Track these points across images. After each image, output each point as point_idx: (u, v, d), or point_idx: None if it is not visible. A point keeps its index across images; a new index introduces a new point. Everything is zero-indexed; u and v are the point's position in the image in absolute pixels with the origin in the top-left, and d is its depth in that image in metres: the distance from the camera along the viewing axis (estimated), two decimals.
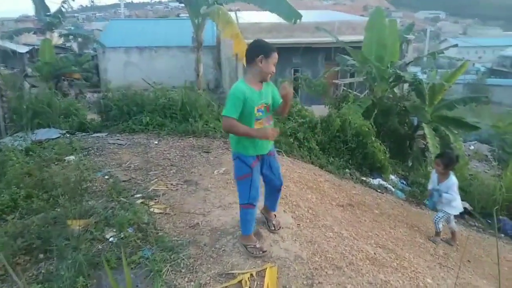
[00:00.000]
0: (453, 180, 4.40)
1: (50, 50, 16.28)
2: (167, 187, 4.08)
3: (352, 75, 15.42)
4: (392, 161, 7.68)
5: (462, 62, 9.07)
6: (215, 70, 23.47)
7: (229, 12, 9.45)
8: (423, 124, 8.72)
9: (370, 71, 9.12)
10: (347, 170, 6.30)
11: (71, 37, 21.04)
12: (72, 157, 5.14)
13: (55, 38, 18.70)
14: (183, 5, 10.06)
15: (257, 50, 2.63)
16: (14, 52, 27.18)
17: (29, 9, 17.67)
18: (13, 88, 10.67)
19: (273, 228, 3.13)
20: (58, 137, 6.26)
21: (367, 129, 6.77)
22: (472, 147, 14.05)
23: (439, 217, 4.47)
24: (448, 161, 4.38)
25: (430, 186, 4.60)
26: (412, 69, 15.84)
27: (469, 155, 12.52)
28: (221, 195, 3.80)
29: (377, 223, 4.10)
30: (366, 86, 14.91)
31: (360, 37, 10.95)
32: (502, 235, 5.78)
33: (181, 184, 4.16)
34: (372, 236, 3.53)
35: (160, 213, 3.48)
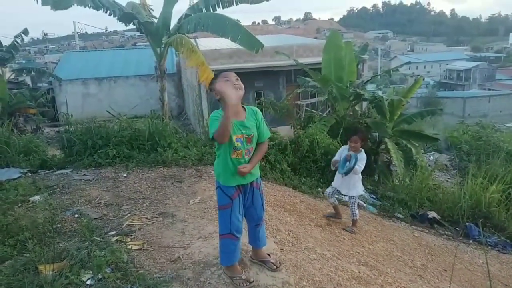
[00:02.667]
0: (364, 155, 4.57)
1: (2, 86, 15.63)
2: (142, 222, 3.95)
3: (313, 96, 15.87)
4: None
5: (417, 78, 9.58)
6: (178, 98, 23.38)
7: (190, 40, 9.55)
8: (385, 139, 9.05)
9: (331, 91, 9.42)
10: (319, 189, 6.40)
11: (24, 71, 20.30)
12: (37, 197, 4.89)
13: (7, 73, 17.97)
14: (139, 34, 10.06)
15: (210, 85, 2.67)
16: None
17: None
18: None
19: (275, 267, 2.92)
20: (20, 177, 5.95)
21: (334, 148, 6.94)
22: (431, 158, 14.70)
23: (353, 202, 4.63)
24: (365, 136, 4.80)
25: (337, 157, 4.68)
26: (368, 86, 16.57)
27: (429, 165, 13.06)
28: (200, 226, 3.73)
29: (355, 240, 4.16)
30: (327, 106, 15.37)
31: (317, 59, 11.36)
32: (470, 240, 6.03)
33: (157, 217, 4.05)
34: (353, 254, 3.58)
35: (138, 249, 3.36)
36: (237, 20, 8.76)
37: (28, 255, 3.32)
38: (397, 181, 8.64)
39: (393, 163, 8.95)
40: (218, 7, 8.94)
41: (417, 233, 5.56)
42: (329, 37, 9.62)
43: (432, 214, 6.79)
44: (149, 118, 7.27)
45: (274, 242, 3.36)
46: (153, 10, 9.34)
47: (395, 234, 5.12)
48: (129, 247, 3.39)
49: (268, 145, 6.69)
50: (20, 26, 18.22)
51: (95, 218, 4.13)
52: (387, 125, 9.36)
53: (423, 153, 9.55)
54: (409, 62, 18.10)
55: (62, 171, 6.28)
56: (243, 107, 2.66)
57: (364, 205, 6.53)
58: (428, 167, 9.18)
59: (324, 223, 4.34)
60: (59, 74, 22.33)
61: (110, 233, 3.72)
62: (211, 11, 8.95)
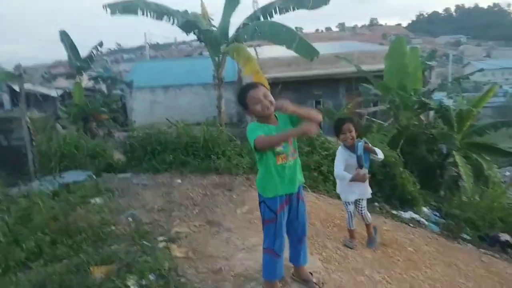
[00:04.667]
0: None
1: (80, 93, 17.00)
2: (189, 229, 4.00)
3: (375, 104, 15.27)
4: (423, 191, 7.37)
5: (489, 86, 8.80)
6: (237, 105, 23.79)
7: (248, 48, 9.64)
8: (453, 152, 8.40)
9: (393, 100, 8.97)
10: (376, 203, 6.07)
11: (99, 79, 21.95)
12: (97, 199, 5.18)
13: (85, 81, 19.54)
14: (199, 42, 10.37)
15: (240, 106, 2.62)
16: (46, 96, 28.61)
17: (61, 54, 18.67)
18: (44, 131, 11.10)
19: None
20: (85, 179, 6.36)
21: (393, 160, 6.56)
22: (507, 173, 13.42)
23: (363, 206, 3.79)
24: (357, 123, 3.85)
25: (341, 165, 3.63)
26: (437, 95, 15.56)
27: (505, 181, 11.91)
28: (244, 236, 3.69)
29: (411, 262, 3.85)
30: (390, 115, 14.70)
31: (381, 66, 10.89)
32: None
33: (204, 225, 4.07)
34: (407, 278, 3.30)
35: (182, 257, 3.39)
36: (300, 28, 8.70)
37: (82, 255, 3.50)
38: (465, 197, 7.96)
39: (462, 178, 8.29)
40: (276, 13, 8.91)
41: (485, 258, 5.02)
42: (393, 43, 9.19)
43: (504, 236, 6.13)
44: (204, 125, 7.43)
45: (319, 259, 3.21)
46: (213, 20, 9.59)
47: (458, 258, 4.66)
48: (174, 254, 3.43)
49: (322, 154, 6.51)
50: (97, 38, 19.82)
51: (146, 223, 4.26)
52: (455, 137, 8.71)
53: (496, 168, 8.71)
54: (482, 69, 16.31)
55: (123, 174, 6.61)
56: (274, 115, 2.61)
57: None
58: (501, 184, 8.34)
59: (377, 242, 4.07)
60: (132, 81, 23.81)
61: (158, 239, 3.80)
62: (269, 18, 8.97)
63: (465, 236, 5.99)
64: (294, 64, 15.22)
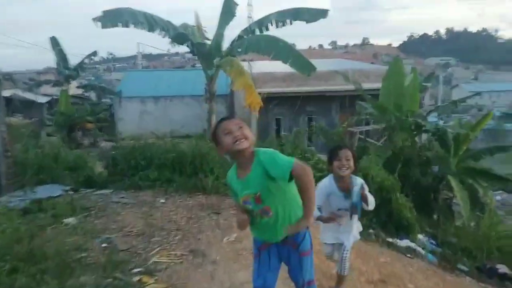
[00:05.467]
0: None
1: (66, 101, 16.56)
2: (170, 259, 3.60)
3: (367, 123, 15.09)
4: (417, 216, 7.06)
5: (486, 112, 8.63)
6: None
7: (242, 63, 9.38)
8: (449, 176, 8.14)
9: (390, 120, 8.74)
10: (371, 230, 5.73)
11: (88, 87, 21.52)
12: (71, 220, 4.75)
13: (73, 89, 19.09)
14: (192, 55, 10.09)
15: (212, 142, 2.21)
16: (32, 102, 28.00)
17: (52, 61, 18.24)
18: (27, 138, 10.60)
19: None
20: (61, 195, 5.92)
21: (389, 184, 6.26)
22: (498, 197, 13.24)
23: (348, 251, 3.03)
24: (354, 152, 3.02)
25: (321, 202, 2.92)
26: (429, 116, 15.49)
27: (496, 207, 11.70)
28: (231, 271, 3.30)
29: None
30: (382, 134, 14.51)
31: (374, 85, 10.73)
32: None
33: (186, 255, 3.67)
34: None
35: None
36: (293, 44, 8.45)
37: None
38: (460, 223, 7.69)
39: (456, 202, 8.04)
40: (272, 26, 8.69)
41: None
42: (391, 64, 9.00)
43: (503, 268, 5.85)
44: (194, 139, 7.07)
45: None
46: (206, 32, 9.34)
47: None
48: None
49: (315, 176, 6.17)
50: (89, 47, 19.47)
51: (122, 250, 3.85)
52: (450, 161, 8.47)
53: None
54: (479, 93, 15.72)
55: (102, 191, 6.18)
56: (253, 152, 2.10)
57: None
58: (497, 213, 8.09)
59: (376, 278, 3.72)
60: (120, 91, 23.36)
61: (134, 270, 3.40)
62: (265, 31, 8.73)
63: (462, 267, 5.69)
64: (289, 80, 15.03)
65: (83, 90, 26.43)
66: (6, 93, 26.69)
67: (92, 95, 30.25)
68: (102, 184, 6.68)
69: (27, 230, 3.98)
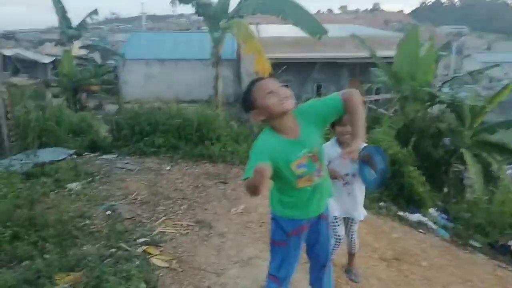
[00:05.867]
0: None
1: (69, 62, 16.15)
2: (175, 230, 3.46)
3: (377, 92, 14.69)
4: (428, 189, 6.88)
5: (507, 83, 8.26)
6: (236, 84, 23.02)
7: (250, 26, 8.94)
8: (462, 149, 7.90)
9: (403, 90, 8.40)
10: (381, 203, 5.57)
11: (91, 48, 20.97)
12: (74, 185, 4.61)
13: (75, 49, 18.60)
14: (197, 16, 9.62)
15: (244, 108, 1.91)
16: (36, 62, 27.55)
17: (55, 20, 17.61)
18: (34, 99, 10.37)
19: None
20: (64, 159, 5.77)
21: (403, 157, 6.04)
22: (509, 171, 13.01)
23: (355, 229, 2.86)
24: None
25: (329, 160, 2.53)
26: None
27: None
28: (239, 245, 3.16)
29: (427, 281, 3.37)
30: (393, 104, 14.14)
31: (387, 53, 10.27)
32: None
33: (193, 226, 3.53)
34: None
35: (165, 267, 2.86)
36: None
37: (47, 257, 2.97)
38: (471, 197, 7.52)
39: (468, 176, 7.84)
40: None
41: (501, 272, 4.56)
42: (409, 32, 8.48)
43: None
44: (200, 106, 6.83)
45: None
46: None
47: (473, 272, 4.20)
48: (156, 263, 2.90)
49: None
50: (92, 7, 18.73)
51: (127, 218, 3.72)
52: (465, 133, 8.20)
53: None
54: (497, 65, 14.66)
55: (107, 156, 6.02)
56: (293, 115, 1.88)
57: None
58: (510, 187, 7.89)
59: (389, 255, 3.58)
60: (125, 53, 22.85)
61: (138, 240, 3.26)
62: None
63: (474, 243, 5.56)
64: (298, 45, 14.51)
65: (87, 51, 25.88)
66: (8, 52, 26.26)
67: (97, 56, 29.67)
68: (107, 148, 6.53)
69: (29, 195, 3.84)
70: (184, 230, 3.46)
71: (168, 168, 5.22)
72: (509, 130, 8.56)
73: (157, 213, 3.84)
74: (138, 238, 3.30)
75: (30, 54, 27.58)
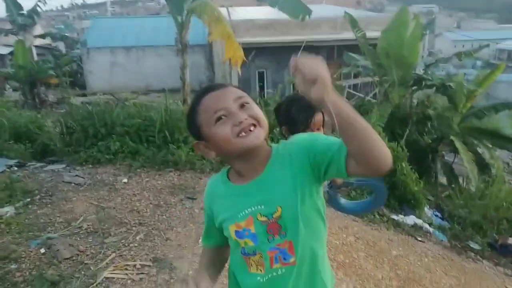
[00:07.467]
0: None
1: (24, 53, 14.70)
2: (126, 274, 2.69)
3: (355, 76, 14.09)
4: (421, 187, 6.27)
5: (497, 64, 7.74)
6: (208, 71, 21.99)
7: (219, 8, 8.06)
8: (452, 136, 7.39)
9: (388, 74, 7.78)
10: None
11: (48, 37, 19.41)
12: (6, 209, 3.74)
13: (31, 39, 17.08)
14: None
15: (190, 134, 1.17)
16: None
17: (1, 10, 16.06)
18: None
19: None
20: (3, 172, 4.86)
21: (396, 153, 5.41)
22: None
23: None
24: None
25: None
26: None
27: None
28: None
29: None
30: (372, 88, 13.59)
31: (368, 34, 9.58)
32: None
33: (149, 267, 2.76)
34: None
35: None
36: None
37: None
38: (466, 187, 7.04)
39: (462, 165, 7.36)
40: None
41: (509, 283, 4.06)
42: (397, 14, 7.73)
43: None
44: (164, 100, 5.97)
45: None
46: None
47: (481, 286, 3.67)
48: None
49: None
50: None
51: (65, 258, 2.91)
52: (453, 119, 7.68)
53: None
54: (487, 45, 13.85)
55: (54, 166, 5.13)
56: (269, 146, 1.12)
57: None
58: (504, 175, 7.46)
59: (395, 285, 2.93)
60: (88, 41, 21.39)
61: None
62: None
63: (474, 245, 5.06)
64: (272, 28, 13.64)
65: (50, 40, 24.10)
66: None
67: (61, 46, 27.82)
68: (59, 154, 5.65)
69: None
70: (137, 273, 2.69)
71: (125, 180, 4.40)
72: (497, 115, 8.10)
73: (105, 247, 3.05)
74: None
75: None
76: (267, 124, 1.06)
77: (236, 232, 1.08)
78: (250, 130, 1.01)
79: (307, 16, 6.44)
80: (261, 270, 1.09)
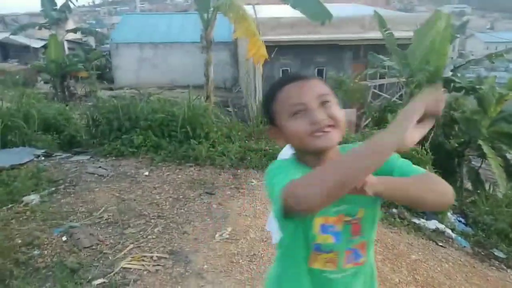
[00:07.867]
0: None
1: (56, 47, 15.19)
2: (143, 265, 2.74)
3: (381, 76, 13.82)
4: None
5: None
6: (233, 68, 22.08)
7: (245, 6, 8.07)
8: (480, 141, 7.15)
9: (413, 75, 7.59)
10: (394, 209, 4.86)
11: (80, 32, 19.96)
12: (32, 197, 3.89)
13: (63, 33, 17.60)
14: None
15: (263, 113, 1.16)
16: (28, 47, 26.54)
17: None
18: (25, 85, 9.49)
19: None
20: (31, 161, 5.04)
21: (417, 154, 5.29)
22: None
23: None
24: None
25: None
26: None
27: None
28: None
29: None
30: (398, 88, 13.29)
31: (397, 34, 9.37)
32: None
33: (165, 259, 2.81)
34: None
35: None
36: None
37: None
38: (493, 193, 6.81)
39: (490, 170, 7.12)
40: None
41: None
42: (432, 17, 7.46)
43: None
44: (186, 99, 6.02)
45: None
46: None
47: None
48: None
49: None
50: None
51: (85, 247, 2.99)
52: (481, 123, 7.42)
53: None
54: None
55: (79, 157, 5.28)
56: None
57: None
58: None
59: None
60: (117, 36, 21.87)
61: (94, 282, 2.55)
62: None
63: (498, 253, 4.88)
64: (297, 26, 13.55)
65: (82, 35, 24.79)
66: None
67: (92, 40, 28.53)
68: (84, 146, 5.83)
69: None
70: (153, 265, 2.74)
71: (146, 173, 4.48)
72: None
73: (124, 238, 3.12)
74: (94, 279, 2.59)
75: (20, 39, 26.52)
76: (344, 126, 1.03)
77: (322, 226, 1.04)
78: (326, 131, 0.98)
79: (328, 20, 6.34)
80: (330, 267, 1.07)
